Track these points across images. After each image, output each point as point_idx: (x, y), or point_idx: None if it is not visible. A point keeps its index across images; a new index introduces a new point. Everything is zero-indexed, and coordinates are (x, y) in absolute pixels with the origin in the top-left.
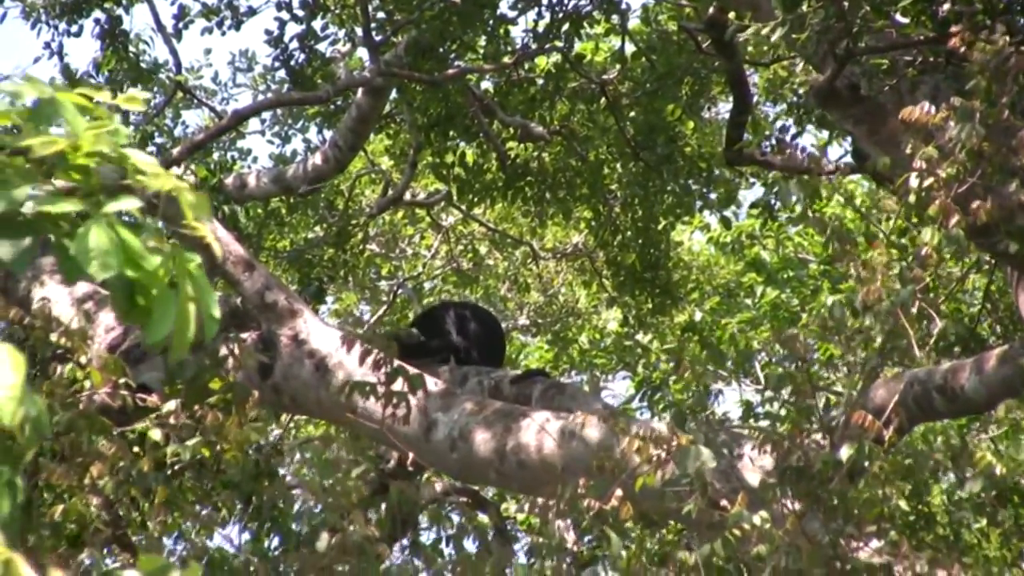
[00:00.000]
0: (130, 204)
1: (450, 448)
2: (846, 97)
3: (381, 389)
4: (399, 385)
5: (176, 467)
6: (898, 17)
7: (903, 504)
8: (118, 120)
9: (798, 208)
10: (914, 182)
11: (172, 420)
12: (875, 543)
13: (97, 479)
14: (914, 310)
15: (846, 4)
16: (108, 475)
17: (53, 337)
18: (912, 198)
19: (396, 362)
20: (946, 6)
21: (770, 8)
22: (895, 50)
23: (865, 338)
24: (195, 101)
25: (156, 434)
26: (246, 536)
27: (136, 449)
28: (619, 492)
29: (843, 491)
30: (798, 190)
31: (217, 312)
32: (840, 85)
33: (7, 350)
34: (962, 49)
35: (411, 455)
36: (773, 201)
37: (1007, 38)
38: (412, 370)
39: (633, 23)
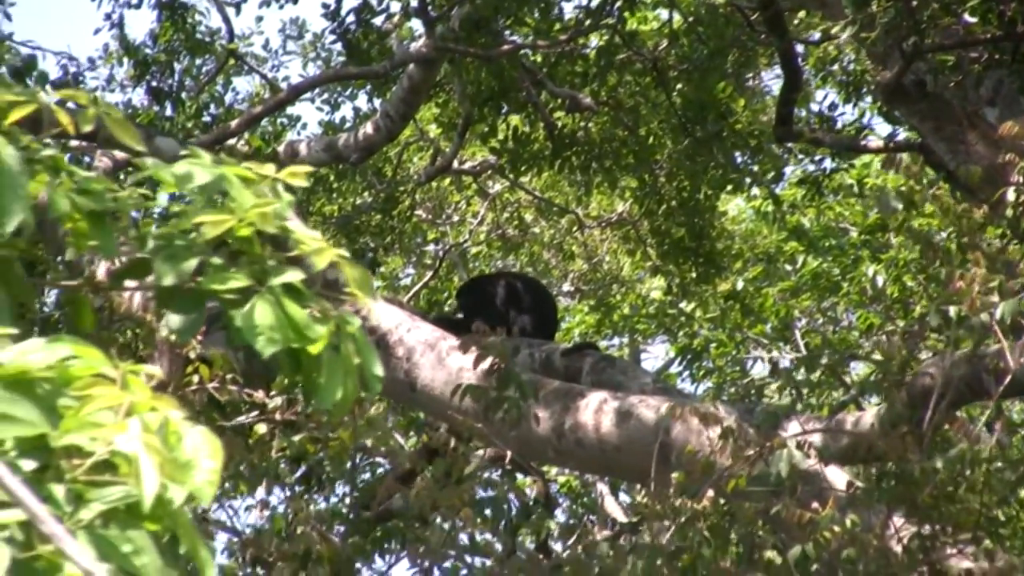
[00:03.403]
0: (293, 277)
1: (509, 425)
2: (913, 93)
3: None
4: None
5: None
6: (965, 16)
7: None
8: (282, 191)
9: (898, 217)
10: (1011, 196)
11: (278, 416)
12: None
13: None
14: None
15: (914, 2)
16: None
17: (164, 332)
18: (1009, 212)
19: (507, 367)
20: (1012, 5)
21: (839, 5)
22: (962, 47)
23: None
24: (246, 68)
25: (262, 428)
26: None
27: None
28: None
29: (940, 498)
30: (897, 200)
31: (380, 370)
32: (907, 82)
33: (204, 433)
34: None
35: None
36: (817, 173)
37: None
38: (524, 377)
39: None
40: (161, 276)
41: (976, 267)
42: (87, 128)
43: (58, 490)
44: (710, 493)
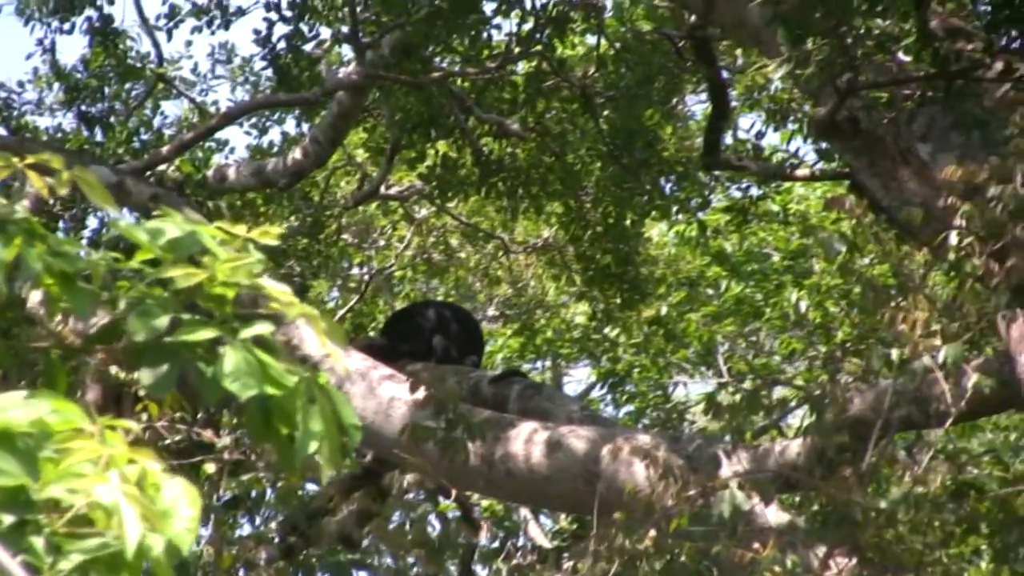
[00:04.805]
0: (263, 329)
1: (439, 454)
2: (846, 129)
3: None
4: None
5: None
6: (899, 55)
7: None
8: (252, 250)
9: (839, 259)
10: (953, 240)
11: (226, 455)
12: None
13: None
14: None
15: (849, 40)
16: None
17: (113, 370)
18: (951, 255)
19: (459, 407)
20: (945, 43)
21: (756, 24)
22: (896, 84)
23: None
24: (174, 92)
25: (210, 468)
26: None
27: None
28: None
29: (884, 538)
30: (840, 243)
31: (357, 420)
32: (840, 118)
33: (183, 483)
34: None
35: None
36: (744, 201)
37: None
38: (478, 416)
39: (606, 18)
40: (134, 332)
41: (918, 310)
42: (63, 192)
43: (38, 542)
44: (651, 532)
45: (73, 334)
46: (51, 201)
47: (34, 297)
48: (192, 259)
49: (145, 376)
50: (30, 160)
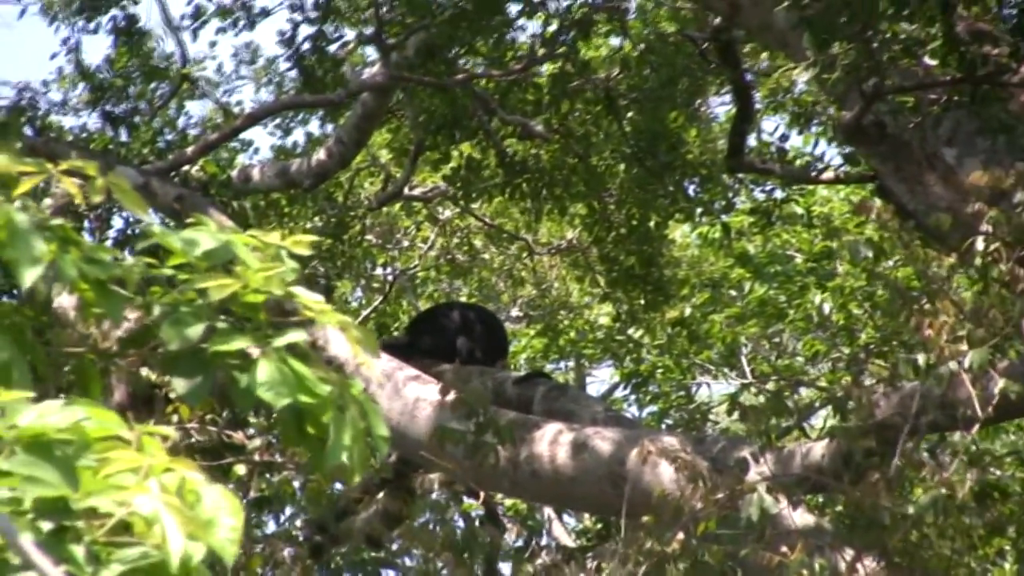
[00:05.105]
0: (297, 337)
1: (464, 455)
2: (872, 134)
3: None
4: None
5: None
6: (925, 59)
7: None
8: (286, 257)
9: (866, 259)
10: (980, 245)
11: (257, 456)
12: None
13: None
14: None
15: (875, 44)
16: None
17: (144, 372)
18: (977, 261)
19: (489, 411)
20: (971, 48)
21: (782, 28)
22: (922, 89)
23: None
24: (198, 92)
25: (241, 469)
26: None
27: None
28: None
29: (911, 542)
30: (866, 247)
31: (386, 431)
32: (867, 122)
33: (223, 491)
34: None
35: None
36: (768, 203)
37: None
38: (503, 418)
39: (630, 20)
40: (168, 341)
41: (945, 315)
42: (97, 199)
43: (78, 551)
44: (679, 535)
45: (102, 336)
46: (78, 202)
47: (61, 300)
48: (225, 266)
49: (179, 385)
50: (64, 166)
